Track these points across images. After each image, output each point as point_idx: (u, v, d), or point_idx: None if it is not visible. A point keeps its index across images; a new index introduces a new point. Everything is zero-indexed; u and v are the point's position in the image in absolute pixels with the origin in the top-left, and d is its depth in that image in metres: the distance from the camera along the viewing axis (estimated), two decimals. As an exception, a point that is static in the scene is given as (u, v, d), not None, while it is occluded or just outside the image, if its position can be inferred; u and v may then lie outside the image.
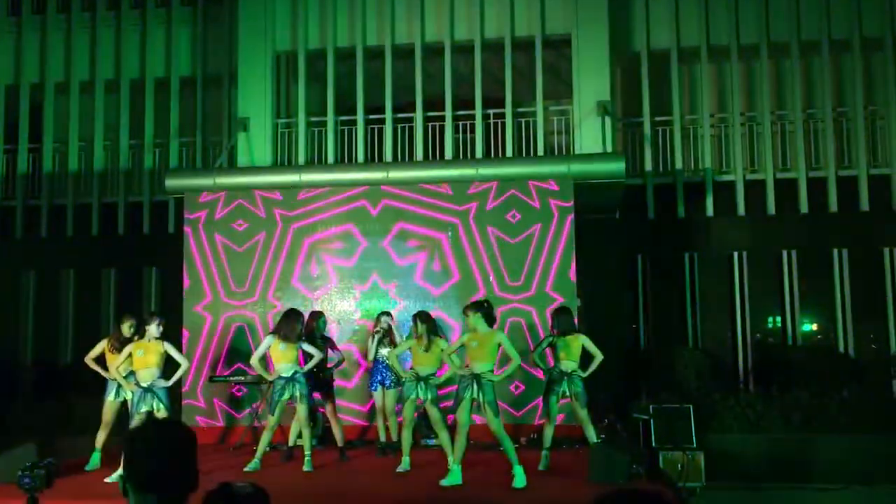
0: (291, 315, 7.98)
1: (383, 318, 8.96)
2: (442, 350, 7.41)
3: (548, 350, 8.04)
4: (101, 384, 8.23)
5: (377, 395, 8.84)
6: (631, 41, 13.13)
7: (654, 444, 8.66)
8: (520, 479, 6.77)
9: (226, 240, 10.48)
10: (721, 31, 12.93)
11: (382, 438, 8.79)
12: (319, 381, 8.43)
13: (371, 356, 8.90)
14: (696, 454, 8.47)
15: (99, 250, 13.40)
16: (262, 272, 10.38)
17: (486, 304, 7.23)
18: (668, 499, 1.62)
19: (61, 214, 13.77)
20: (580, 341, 7.87)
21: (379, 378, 8.80)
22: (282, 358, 7.79)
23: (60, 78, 14.10)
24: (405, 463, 7.55)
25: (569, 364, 7.79)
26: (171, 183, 10.97)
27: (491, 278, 10.00)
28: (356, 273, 10.26)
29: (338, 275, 10.30)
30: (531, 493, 6.67)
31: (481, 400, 6.87)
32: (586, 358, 7.89)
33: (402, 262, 10.21)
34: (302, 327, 8.01)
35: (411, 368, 7.55)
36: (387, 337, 8.82)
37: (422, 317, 7.64)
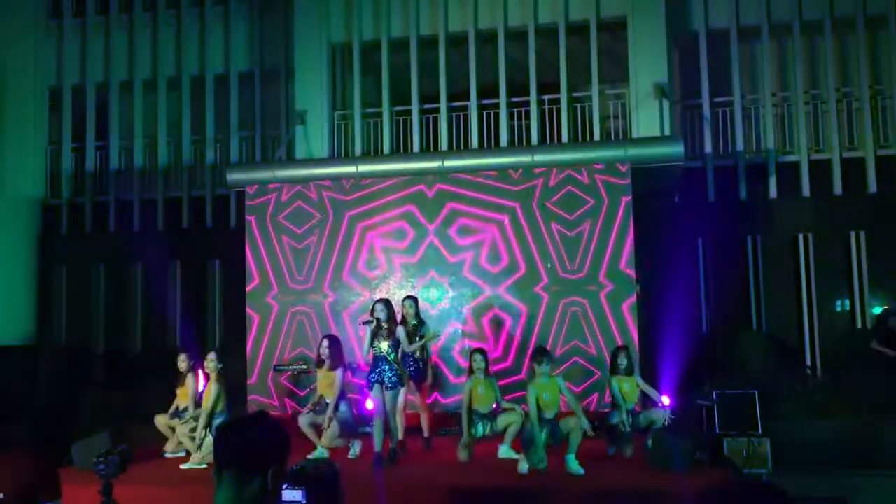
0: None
1: (377, 307, 7.56)
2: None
3: None
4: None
5: (375, 394, 7.48)
6: (688, 21, 12.87)
7: (717, 431, 8.53)
8: (574, 466, 6.80)
9: (286, 231, 10.67)
10: (782, 7, 12.54)
11: (380, 446, 7.40)
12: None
13: (365, 349, 7.62)
14: (761, 441, 8.32)
15: (165, 244, 13.72)
16: (322, 262, 10.53)
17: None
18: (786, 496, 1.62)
19: (128, 210, 14.18)
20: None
21: (376, 376, 7.46)
22: None
23: (124, 77, 14.50)
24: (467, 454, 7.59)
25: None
26: (232, 177, 11.21)
27: (548, 265, 9.96)
28: (413, 262, 10.34)
29: (395, 264, 10.39)
30: (591, 479, 6.66)
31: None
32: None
33: (458, 251, 10.24)
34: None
35: (472, 408, 7.63)
36: (384, 328, 7.48)
37: (483, 352, 7.86)
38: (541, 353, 7.38)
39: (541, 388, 7.12)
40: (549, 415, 7.09)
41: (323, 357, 7.93)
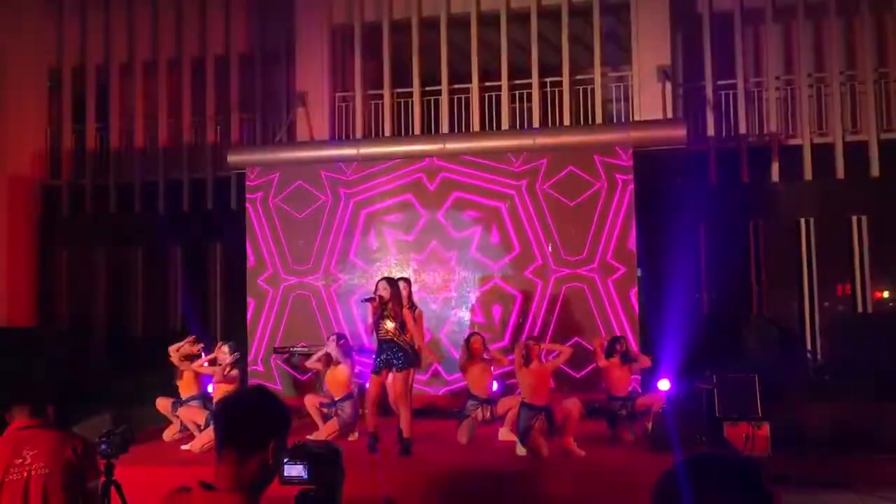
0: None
1: (380, 285, 7.11)
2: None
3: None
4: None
5: (380, 378, 7.17)
6: (692, 3, 12.78)
7: (717, 415, 8.54)
8: (572, 448, 6.85)
9: (286, 214, 10.64)
10: (787, -12, 12.47)
11: (373, 426, 7.13)
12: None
13: (371, 328, 7.21)
14: (761, 424, 8.33)
15: (165, 226, 13.70)
16: (323, 245, 10.52)
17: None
18: (755, 467, 1.58)
19: (128, 191, 14.14)
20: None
21: (384, 360, 7.04)
22: None
23: (124, 58, 14.43)
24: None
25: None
26: (233, 159, 11.18)
27: (550, 248, 9.95)
28: (415, 245, 10.32)
29: (396, 247, 10.37)
30: (590, 461, 6.67)
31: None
32: None
33: (459, 234, 10.22)
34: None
35: (469, 391, 7.88)
36: (388, 307, 7.03)
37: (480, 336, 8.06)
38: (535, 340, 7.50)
39: (528, 371, 7.16)
40: (539, 401, 7.05)
41: (332, 354, 7.90)
